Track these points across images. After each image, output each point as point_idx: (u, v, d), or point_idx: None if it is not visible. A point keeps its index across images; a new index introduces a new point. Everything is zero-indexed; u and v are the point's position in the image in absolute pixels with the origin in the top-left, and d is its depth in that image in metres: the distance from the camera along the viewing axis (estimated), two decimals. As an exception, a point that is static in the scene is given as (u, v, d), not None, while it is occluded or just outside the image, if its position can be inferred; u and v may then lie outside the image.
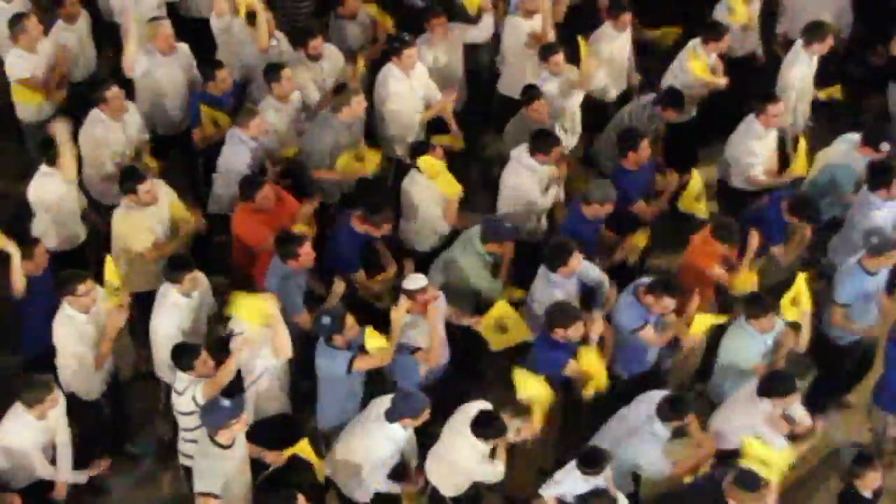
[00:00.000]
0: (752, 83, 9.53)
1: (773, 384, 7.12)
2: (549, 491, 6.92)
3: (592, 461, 6.81)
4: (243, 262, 8.36)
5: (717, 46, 9.18)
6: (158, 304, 7.68)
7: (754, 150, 8.71)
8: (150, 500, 8.24)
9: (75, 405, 7.61)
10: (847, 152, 8.68)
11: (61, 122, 8.23)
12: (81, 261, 8.34)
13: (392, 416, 6.94)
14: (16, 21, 8.89)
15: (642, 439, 7.11)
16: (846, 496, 7.18)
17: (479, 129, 9.77)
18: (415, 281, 7.52)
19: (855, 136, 8.74)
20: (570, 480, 6.86)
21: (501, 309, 7.73)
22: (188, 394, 7.21)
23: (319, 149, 8.55)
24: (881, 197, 8.23)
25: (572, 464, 6.89)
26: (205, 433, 6.88)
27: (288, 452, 7.11)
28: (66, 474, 7.33)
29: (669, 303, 7.50)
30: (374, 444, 7.02)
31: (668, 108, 8.72)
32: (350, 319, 7.27)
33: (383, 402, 7.03)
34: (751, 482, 6.70)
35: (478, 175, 9.85)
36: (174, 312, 7.61)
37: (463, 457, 7.05)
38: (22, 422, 7.13)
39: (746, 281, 8.01)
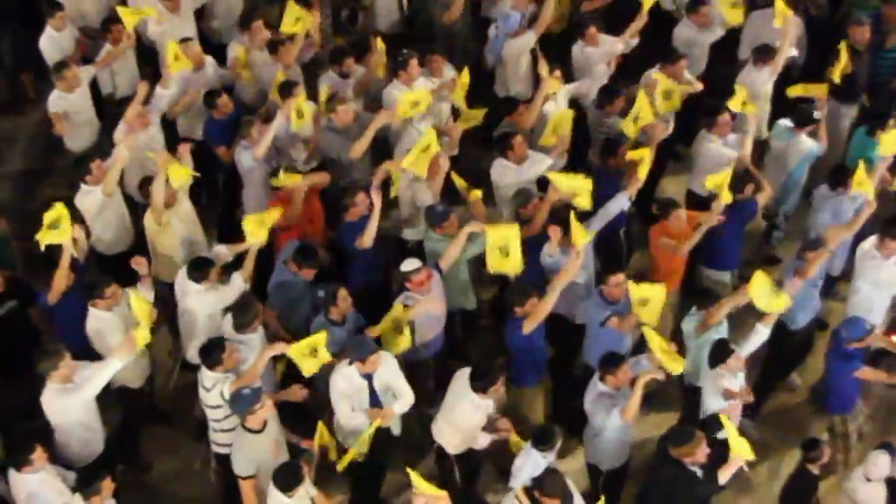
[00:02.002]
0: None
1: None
2: (516, 482, 7.08)
3: (544, 438, 7.08)
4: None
5: (674, 70, 9.45)
6: (184, 292, 8.02)
7: (723, 156, 9.01)
8: (186, 476, 8.50)
9: (124, 396, 8.01)
10: (783, 132, 9.19)
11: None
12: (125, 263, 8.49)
13: (350, 361, 7.34)
14: (59, 69, 9.30)
15: (597, 403, 7.39)
16: (798, 474, 7.61)
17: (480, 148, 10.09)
18: (409, 264, 7.87)
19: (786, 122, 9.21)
20: (530, 462, 7.07)
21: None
22: (216, 390, 7.43)
23: (329, 150, 9.09)
24: (839, 193, 8.65)
25: (527, 446, 7.15)
26: (239, 422, 7.18)
27: (317, 440, 7.35)
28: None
29: (619, 278, 7.80)
30: (332, 382, 7.42)
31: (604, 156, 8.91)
32: (343, 292, 7.65)
33: None
34: (683, 437, 6.99)
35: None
36: (201, 299, 7.98)
37: (465, 415, 7.41)
38: (52, 392, 7.34)
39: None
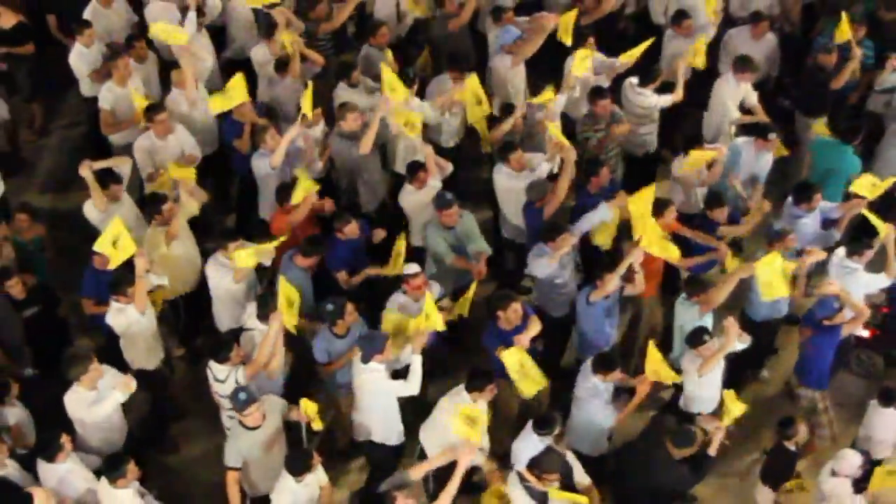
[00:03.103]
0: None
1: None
2: (518, 465, 7.22)
3: (544, 424, 7.27)
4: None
5: (654, 87, 9.77)
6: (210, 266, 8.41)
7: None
8: (204, 461, 8.60)
9: (143, 379, 8.08)
10: (744, 143, 9.43)
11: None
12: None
13: (365, 358, 7.49)
14: (112, 58, 9.69)
15: (589, 400, 7.64)
16: (776, 451, 7.77)
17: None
18: (410, 268, 8.11)
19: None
20: (530, 446, 7.22)
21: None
22: (230, 381, 7.63)
23: (338, 154, 9.31)
24: (803, 209, 8.81)
25: (528, 429, 7.32)
26: (236, 417, 7.35)
27: (304, 408, 7.40)
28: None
29: (614, 276, 7.99)
30: (363, 382, 7.57)
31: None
32: (350, 307, 7.80)
33: None
34: (687, 440, 7.18)
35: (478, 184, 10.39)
36: (221, 270, 8.30)
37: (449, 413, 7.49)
38: (74, 395, 7.51)
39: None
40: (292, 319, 7.79)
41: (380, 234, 8.74)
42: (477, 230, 8.78)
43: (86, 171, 8.58)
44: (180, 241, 8.65)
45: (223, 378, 7.65)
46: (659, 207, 8.45)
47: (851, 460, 7.38)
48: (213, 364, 7.70)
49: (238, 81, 9.17)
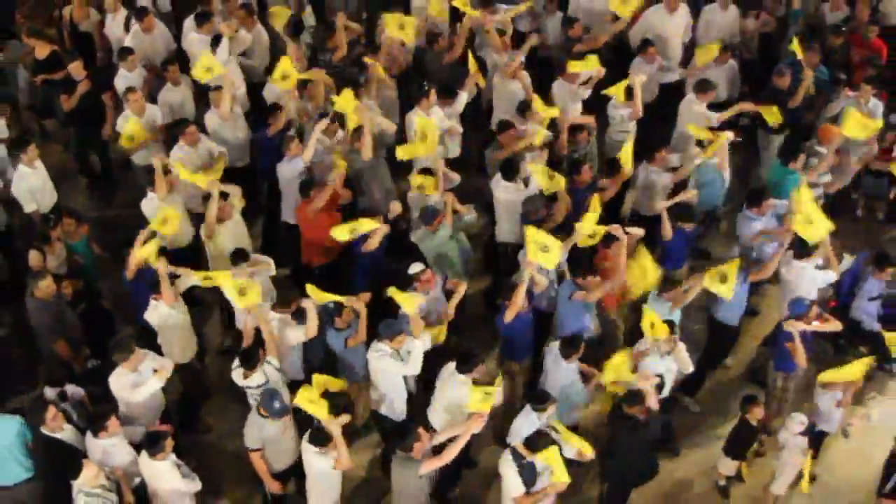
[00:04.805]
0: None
1: None
2: (515, 439, 7.62)
3: (540, 400, 7.77)
4: (309, 255, 9.54)
5: (629, 104, 10.44)
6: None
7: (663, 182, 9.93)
8: (233, 436, 8.68)
9: (177, 371, 8.45)
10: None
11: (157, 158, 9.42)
12: (187, 255, 9.35)
13: (380, 337, 8.08)
14: (126, 93, 10.27)
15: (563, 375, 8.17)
16: (740, 425, 8.34)
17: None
18: (415, 267, 8.57)
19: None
20: (527, 422, 7.65)
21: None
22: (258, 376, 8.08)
23: (357, 166, 9.86)
24: (753, 213, 9.37)
25: (526, 408, 7.77)
26: (255, 406, 7.82)
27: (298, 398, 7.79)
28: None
29: (598, 280, 8.52)
30: (370, 356, 8.07)
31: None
32: (345, 310, 8.27)
33: None
34: (636, 398, 7.70)
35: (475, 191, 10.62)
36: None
37: (454, 392, 7.92)
38: (116, 377, 7.97)
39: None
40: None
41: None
42: None
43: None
44: (229, 231, 9.05)
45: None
46: (607, 241, 8.81)
47: (795, 421, 8.13)
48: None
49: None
